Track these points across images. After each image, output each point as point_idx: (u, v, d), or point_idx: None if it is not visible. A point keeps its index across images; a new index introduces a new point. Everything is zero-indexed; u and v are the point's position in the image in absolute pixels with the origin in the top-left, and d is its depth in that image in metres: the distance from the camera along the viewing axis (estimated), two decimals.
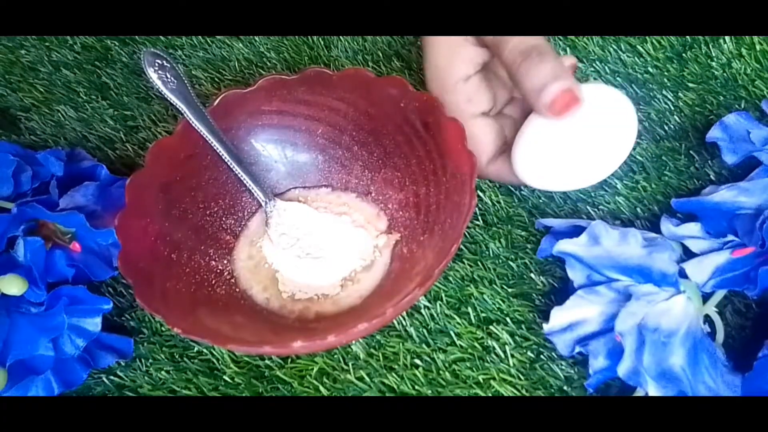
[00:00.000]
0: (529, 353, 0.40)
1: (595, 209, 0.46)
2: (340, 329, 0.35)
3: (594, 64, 0.52)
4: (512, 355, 0.40)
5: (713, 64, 0.51)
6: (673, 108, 0.49)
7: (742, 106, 0.49)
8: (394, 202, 0.46)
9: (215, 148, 0.44)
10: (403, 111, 0.44)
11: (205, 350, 0.42)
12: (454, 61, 0.42)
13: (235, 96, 0.46)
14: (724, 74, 0.51)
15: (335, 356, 0.41)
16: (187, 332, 0.36)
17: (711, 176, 0.46)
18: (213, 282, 0.44)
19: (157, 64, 0.46)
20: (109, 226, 0.43)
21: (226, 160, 0.45)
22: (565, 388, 0.39)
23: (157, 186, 0.43)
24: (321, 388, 0.40)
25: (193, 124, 0.44)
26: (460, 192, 0.40)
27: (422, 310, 0.42)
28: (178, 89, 0.45)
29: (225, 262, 0.45)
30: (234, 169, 0.45)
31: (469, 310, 0.42)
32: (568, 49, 0.53)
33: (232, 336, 0.39)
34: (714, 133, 0.44)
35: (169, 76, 0.45)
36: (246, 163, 0.46)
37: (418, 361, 0.41)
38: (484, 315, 0.42)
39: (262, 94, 0.46)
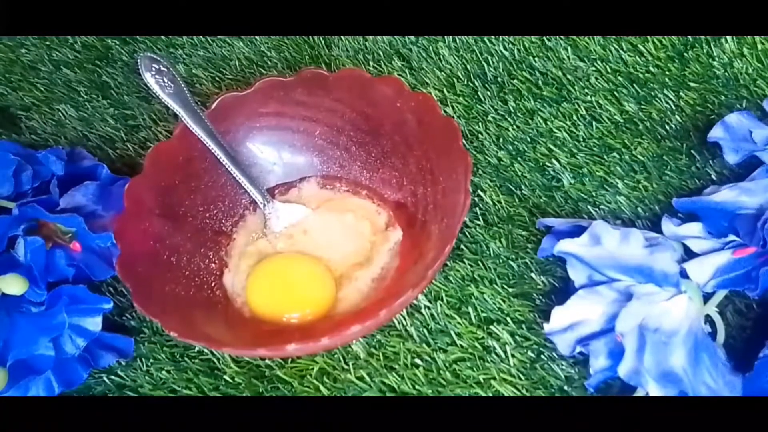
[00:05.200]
0: (529, 353, 0.40)
1: (596, 209, 0.45)
2: (334, 331, 0.35)
3: (595, 64, 0.52)
4: (513, 355, 0.40)
5: (715, 63, 0.51)
6: (674, 107, 0.49)
7: (744, 105, 0.49)
8: (391, 201, 0.46)
9: (213, 151, 0.45)
10: (399, 111, 0.44)
11: (205, 350, 0.42)
12: None
13: (232, 98, 0.46)
14: (726, 74, 0.50)
15: (335, 356, 0.41)
16: (184, 336, 0.36)
17: (712, 176, 0.46)
18: (212, 284, 0.44)
19: (154, 69, 0.46)
20: (110, 225, 0.43)
21: (224, 163, 0.45)
22: (565, 387, 0.39)
23: (157, 190, 0.43)
24: (321, 387, 0.40)
25: (191, 128, 0.44)
26: (455, 192, 0.40)
27: (423, 310, 0.42)
28: (176, 93, 0.45)
29: (224, 263, 0.45)
30: (232, 172, 0.45)
31: (470, 309, 0.42)
32: (569, 48, 0.53)
33: (227, 340, 0.39)
34: (715, 133, 0.44)
35: (166, 80, 0.46)
36: (244, 166, 0.46)
37: (418, 361, 0.41)
38: (484, 315, 0.42)
39: (259, 96, 0.46)
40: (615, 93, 0.51)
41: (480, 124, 0.50)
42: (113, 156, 0.52)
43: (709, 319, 0.38)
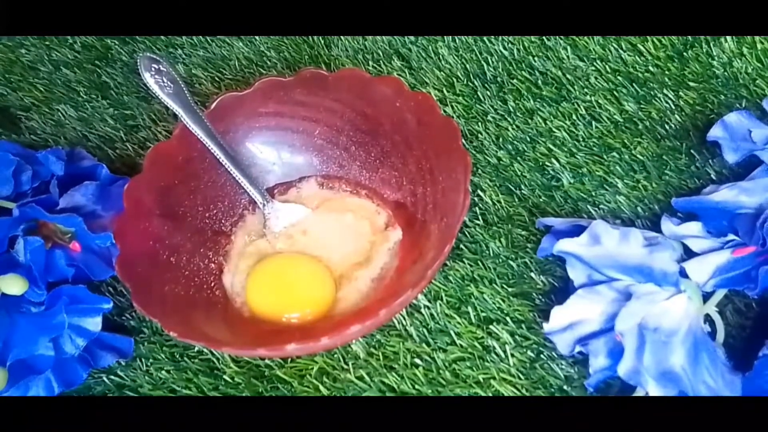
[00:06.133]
0: (529, 353, 0.40)
1: (596, 208, 0.45)
2: (333, 331, 0.35)
3: (595, 63, 0.52)
4: (512, 355, 0.40)
5: (714, 63, 0.51)
6: (674, 107, 0.49)
7: (743, 105, 0.49)
8: (391, 201, 0.46)
9: (212, 151, 0.45)
10: (399, 110, 0.45)
11: (205, 350, 0.42)
12: None
13: (231, 99, 0.46)
14: (725, 73, 0.50)
15: (335, 356, 0.41)
16: (183, 336, 0.36)
17: (712, 175, 0.46)
18: (212, 284, 0.44)
19: (153, 69, 0.46)
20: (110, 225, 0.43)
21: (223, 163, 0.45)
22: (565, 387, 0.39)
23: (156, 190, 0.43)
24: (321, 387, 0.40)
25: (191, 128, 0.44)
26: (455, 191, 0.40)
27: (422, 310, 0.42)
28: (175, 93, 0.45)
29: (223, 263, 0.45)
30: (231, 172, 0.45)
31: (470, 309, 0.42)
32: (569, 47, 0.53)
33: (227, 340, 0.39)
34: (715, 132, 0.44)
35: (165, 80, 0.46)
36: (243, 166, 0.46)
37: (418, 361, 0.41)
38: (484, 314, 0.42)
39: (258, 96, 0.46)
40: (614, 92, 0.51)
41: (479, 123, 0.50)
42: (113, 156, 0.52)
43: (708, 318, 0.38)
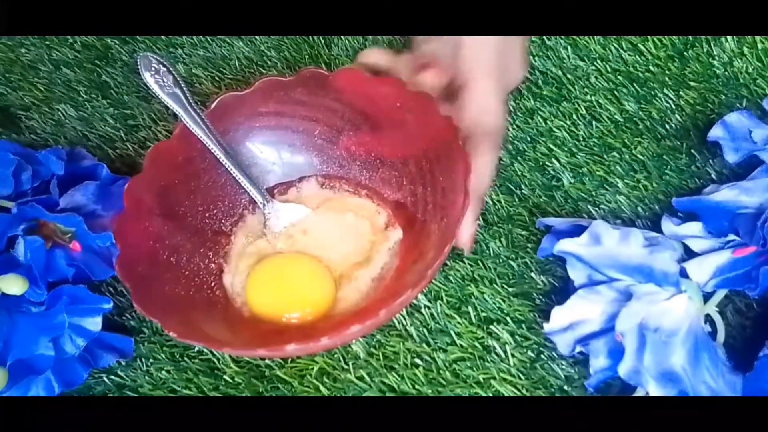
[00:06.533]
0: (529, 353, 0.40)
1: (596, 208, 0.45)
2: (333, 331, 0.35)
3: (595, 63, 0.52)
4: (513, 355, 0.40)
5: (715, 62, 0.51)
6: (674, 107, 0.49)
7: (744, 104, 0.49)
8: (391, 201, 0.46)
9: (212, 151, 0.45)
10: (399, 110, 0.44)
11: (205, 350, 0.42)
12: None
13: (231, 98, 0.46)
14: (726, 73, 0.50)
15: (335, 356, 0.41)
16: (183, 336, 0.36)
17: (712, 175, 0.46)
18: (212, 284, 0.44)
19: (153, 68, 0.46)
20: (110, 225, 0.43)
21: (223, 163, 0.45)
22: (565, 387, 0.39)
23: (156, 189, 0.43)
24: (321, 387, 0.40)
25: (191, 128, 0.44)
26: (455, 191, 0.40)
27: (422, 310, 0.42)
28: (175, 92, 0.45)
29: (223, 263, 0.45)
30: (231, 172, 0.45)
31: (470, 309, 0.42)
32: (569, 47, 0.53)
33: (227, 340, 0.39)
34: (715, 132, 0.44)
35: (165, 79, 0.45)
36: (243, 165, 0.46)
37: (418, 361, 0.41)
38: (484, 314, 0.42)
39: (258, 95, 0.46)
40: (615, 92, 0.51)
41: None
42: (113, 156, 0.52)
43: (709, 318, 0.38)
